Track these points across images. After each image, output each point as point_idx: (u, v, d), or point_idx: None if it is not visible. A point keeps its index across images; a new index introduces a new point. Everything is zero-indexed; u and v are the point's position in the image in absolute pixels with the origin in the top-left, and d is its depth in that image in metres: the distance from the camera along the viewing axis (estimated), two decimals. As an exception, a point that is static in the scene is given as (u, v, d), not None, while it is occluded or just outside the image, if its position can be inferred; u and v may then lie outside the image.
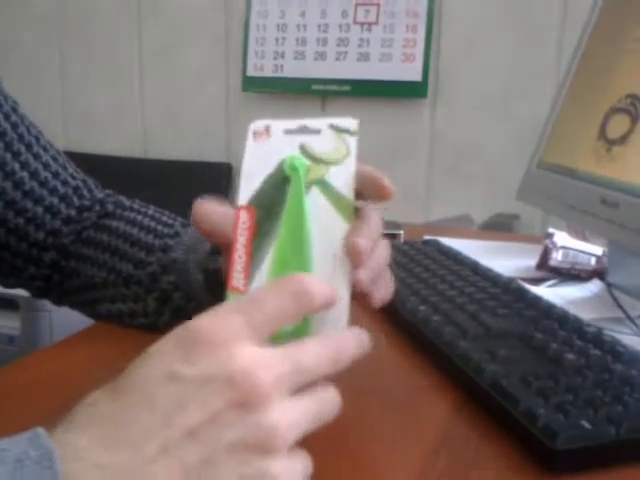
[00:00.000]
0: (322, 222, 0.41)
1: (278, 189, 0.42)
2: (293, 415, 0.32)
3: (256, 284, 0.39)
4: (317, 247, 0.40)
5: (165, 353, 0.32)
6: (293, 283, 0.35)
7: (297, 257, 0.40)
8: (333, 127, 0.43)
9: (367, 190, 0.44)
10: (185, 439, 0.30)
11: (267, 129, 0.44)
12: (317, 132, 0.43)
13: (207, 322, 0.33)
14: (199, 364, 0.31)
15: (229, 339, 0.32)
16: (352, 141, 0.43)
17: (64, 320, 1.53)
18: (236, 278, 0.39)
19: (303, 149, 0.43)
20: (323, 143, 0.43)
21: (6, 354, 1.81)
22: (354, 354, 0.36)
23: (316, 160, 0.42)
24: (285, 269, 0.40)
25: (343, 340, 0.36)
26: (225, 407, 0.31)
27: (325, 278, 0.38)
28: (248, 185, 0.43)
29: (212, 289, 0.57)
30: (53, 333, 1.78)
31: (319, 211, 0.41)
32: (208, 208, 0.46)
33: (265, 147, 0.44)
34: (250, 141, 0.44)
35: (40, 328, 1.79)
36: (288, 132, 0.44)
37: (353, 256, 0.40)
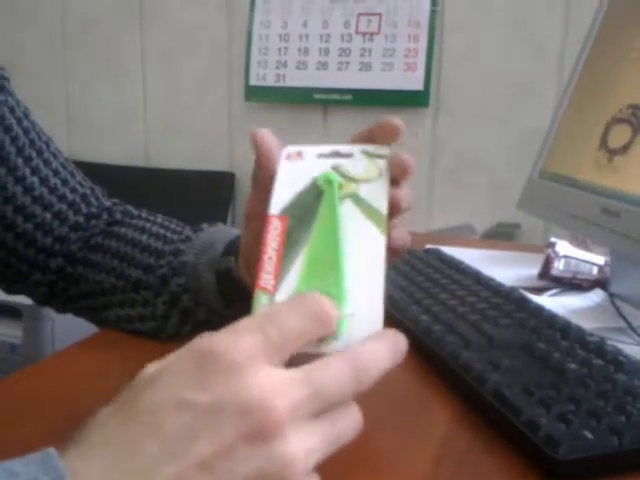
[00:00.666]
0: (355, 230, 0.41)
1: (311, 201, 0.42)
2: (311, 442, 0.31)
3: (285, 287, 0.39)
4: (350, 253, 0.40)
5: (177, 375, 0.31)
6: (313, 303, 0.34)
7: (329, 261, 0.39)
8: (365, 152, 0.44)
9: (375, 132, 0.45)
10: (197, 472, 0.29)
11: (299, 154, 0.45)
12: (349, 156, 0.44)
13: (223, 342, 0.31)
14: (212, 390, 0.30)
15: (245, 362, 0.30)
16: (383, 163, 0.44)
17: (67, 328, 1.53)
18: (264, 279, 0.39)
19: (336, 169, 0.43)
20: (355, 165, 0.44)
21: (8, 363, 1.81)
22: (383, 367, 0.34)
23: (349, 178, 0.43)
24: (317, 272, 0.39)
25: (370, 353, 0.34)
26: (239, 438, 0.29)
27: (358, 281, 0.38)
28: (279, 199, 0.43)
29: (223, 291, 0.57)
30: (55, 341, 1.78)
31: (352, 220, 0.41)
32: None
33: (298, 167, 0.44)
34: (283, 161, 0.45)
35: (43, 336, 1.79)
36: (320, 156, 0.45)
37: (398, 167, 0.42)
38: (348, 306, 0.37)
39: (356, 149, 0.44)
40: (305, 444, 0.31)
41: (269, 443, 0.30)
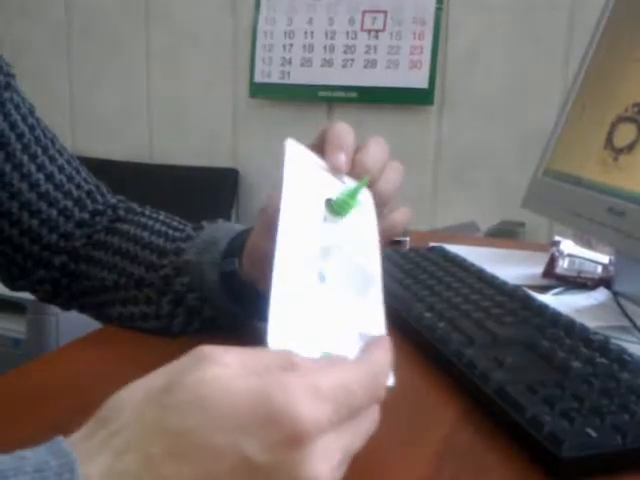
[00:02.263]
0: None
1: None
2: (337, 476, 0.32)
3: None
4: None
5: (240, 421, 0.29)
6: (378, 381, 0.35)
7: None
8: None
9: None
10: None
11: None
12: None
13: (297, 402, 0.29)
14: (273, 449, 0.29)
15: (313, 431, 0.29)
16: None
17: (71, 323, 1.54)
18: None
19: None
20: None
21: (12, 358, 1.82)
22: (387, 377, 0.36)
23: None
24: None
25: (380, 367, 0.35)
26: None
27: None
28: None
29: (229, 290, 0.57)
30: (59, 337, 1.78)
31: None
32: None
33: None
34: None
35: (46, 332, 1.79)
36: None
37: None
38: None
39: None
40: None
41: None
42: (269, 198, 0.50)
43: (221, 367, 0.30)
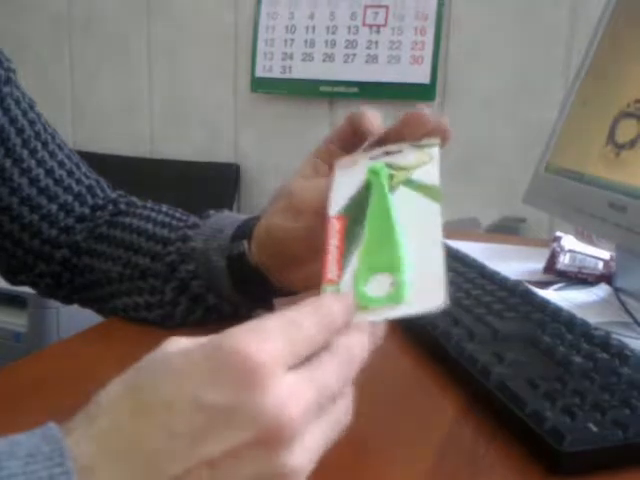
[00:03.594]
0: (410, 209, 0.42)
1: (363, 198, 0.43)
2: (314, 446, 0.32)
3: (348, 275, 0.40)
4: (407, 229, 0.40)
5: (196, 371, 0.30)
6: (323, 308, 0.35)
7: (385, 241, 0.40)
8: (414, 145, 0.46)
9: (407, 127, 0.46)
10: (203, 468, 0.29)
11: (354, 162, 0.46)
12: (399, 152, 0.45)
13: (248, 343, 0.30)
14: (228, 391, 0.29)
15: (266, 366, 0.30)
16: (434, 150, 0.45)
17: (71, 317, 1.54)
18: (330, 273, 0.40)
19: (388, 164, 0.44)
20: (406, 157, 0.45)
21: (13, 351, 1.82)
22: (364, 358, 0.35)
23: (400, 169, 0.44)
24: (375, 253, 0.40)
25: (355, 348, 0.35)
26: (249, 443, 0.29)
27: (418, 253, 0.39)
28: (336, 202, 0.44)
29: (234, 276, 0.57)
30: (60, 330, 1.79)
31: (406, 201, 0.42)
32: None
33: (351, 171, 0.45)
34: (337, 170, 0.46)
35: (47, 325, 1.79)
36: (372, 158, 0.46)
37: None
38: (407, 275, 0.38)
39: (405, 145, 0.46)
40: (309, 452, 0.31)
41: (278, 452, 0.30)
42: (284, 182, 0.51)
43: (184, 341, 0.32)
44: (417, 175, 0.43)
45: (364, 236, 0.41)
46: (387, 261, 0.39)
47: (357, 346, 0.35)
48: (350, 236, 0.41)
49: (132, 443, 0.29)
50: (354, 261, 0.40)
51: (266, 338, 0.31)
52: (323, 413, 0.32)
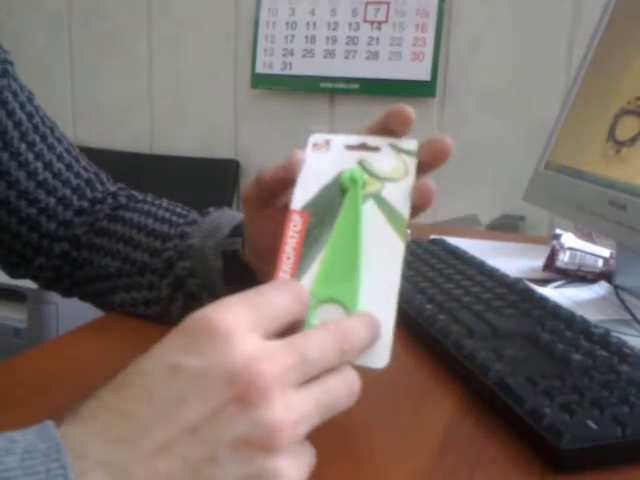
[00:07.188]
0: (375, 235, 0.41)
1: (334, 199, 0.42)
2: (300, 409, 0.32)
3: (304, 283, 0.39)
4: (368, 261, 0.40)
5: (168, 345, 0.32)
6: (296, 287, 0.36)
7: (346, 267, 0.39)
8: (392, 146, 0.44)
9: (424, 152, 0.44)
10: (186, 435, 0.30)
11: (327, 142, 0.44)
12: (376, 149, 0.44)
13: (211, 312, 0.32)
14: (200, 356, 0.31)
15: (232, 330, 0.31)
16: (411, 162, 0.43)
17: (71, 312, 1.54)
18: (284, 272, 0.39)
19: (361, 164, 0.43)
20: (382, 160, 0.43)
21: (12, 346, 1.82)
22: (363, 342, 0.36)
23: (373, 176, 0.42)
24: (333, 277, 0.39)
25: (350, 327, 0.36)
26: (226, 403, 0.30)
27: (373, 293, 0.39)
28: (302, 192, 0.42)
29: (229, 273, 0.57)
30: (60, 325, 1.79)
31: (372, 222, 0.41)
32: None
33: (324, 158, 0.44)
34: (309, 151, 0.44)
35: (47, 320, 1.80)
36: (348, 147, 0.44)
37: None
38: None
39: (384, 142, 0.44)
40: (293, 411, 0.31)
41: (255, 408, 0.30)
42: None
43: None
44: (388, 192, 0.42)
45: (327, 245, 0.40)
46: (343, 293, 0.38)
47: (347, 324, 0.36)
48: (311, 237, 0.40)
49: (116, 415, 0.30)
50: (310, 275, 0.39)
51: (231, 305, 0.33)
52: (315, 383, 0.33)
